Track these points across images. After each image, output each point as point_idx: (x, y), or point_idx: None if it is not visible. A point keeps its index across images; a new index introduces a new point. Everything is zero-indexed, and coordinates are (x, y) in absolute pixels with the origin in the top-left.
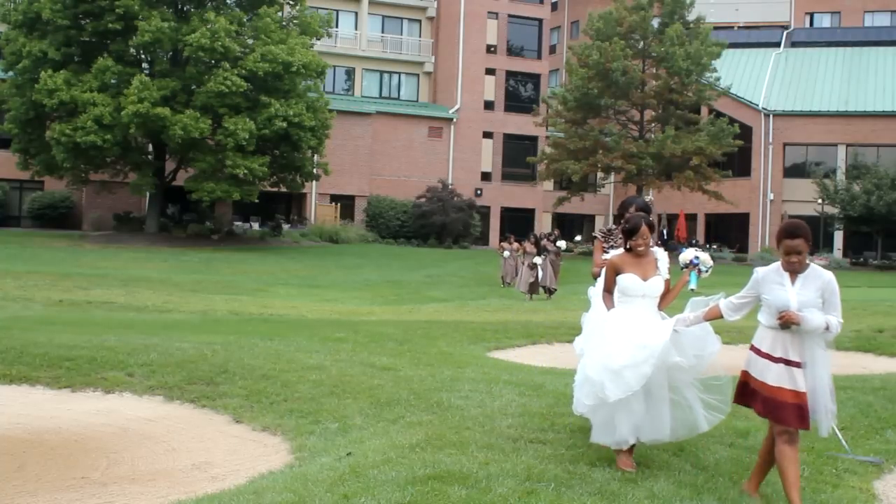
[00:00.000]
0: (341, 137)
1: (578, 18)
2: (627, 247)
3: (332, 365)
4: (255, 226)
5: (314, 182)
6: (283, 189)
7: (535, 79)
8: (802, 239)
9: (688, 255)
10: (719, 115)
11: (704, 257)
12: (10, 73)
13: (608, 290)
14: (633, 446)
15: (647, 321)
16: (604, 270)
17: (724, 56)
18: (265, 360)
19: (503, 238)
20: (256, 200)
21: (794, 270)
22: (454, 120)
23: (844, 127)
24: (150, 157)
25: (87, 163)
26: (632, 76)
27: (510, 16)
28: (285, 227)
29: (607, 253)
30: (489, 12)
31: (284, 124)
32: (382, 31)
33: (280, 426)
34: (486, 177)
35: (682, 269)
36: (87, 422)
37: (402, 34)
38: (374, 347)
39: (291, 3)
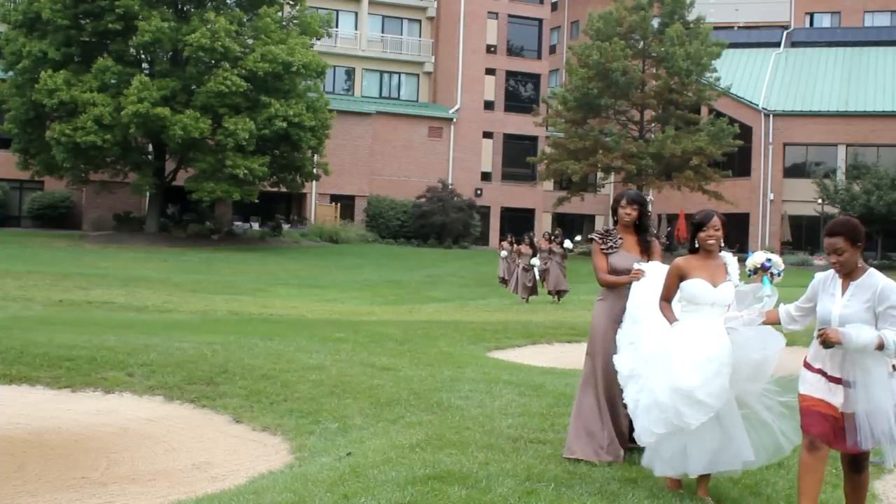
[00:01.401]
0: (341, 137)
1: (578, 18)
2: (695, 245)
3: (332, 365)
4: (255, 226)
5: (314, 182)
6: (283, 189)
7: (535, 79)
8: (842, 237)
9: (758, 258)
10: (719, 115)
11: (776, 259)
12: (10, 73)
13: (667, 298)
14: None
15: (708, 332)
16: (665, 276)
17: (724, 56)
18: (265, 360)
19: (503, 238)
20: (256, 200)
21: (839, 273)
22: (454, 120)
23: (844, 127)
24: (150, 157)
25: (87, 163)
26: (632, 76)
27: (510, 16)
28: (285, 227)
29: (609, 255)
30: (489, 12)
31: (284, 124)
32: (382, 31)
33: (280, 426)
34: (486, 177)
35: (751, 275)
36: (87, 422)
37: (402, 34)
38: (374, 347)
39: (291, 3)
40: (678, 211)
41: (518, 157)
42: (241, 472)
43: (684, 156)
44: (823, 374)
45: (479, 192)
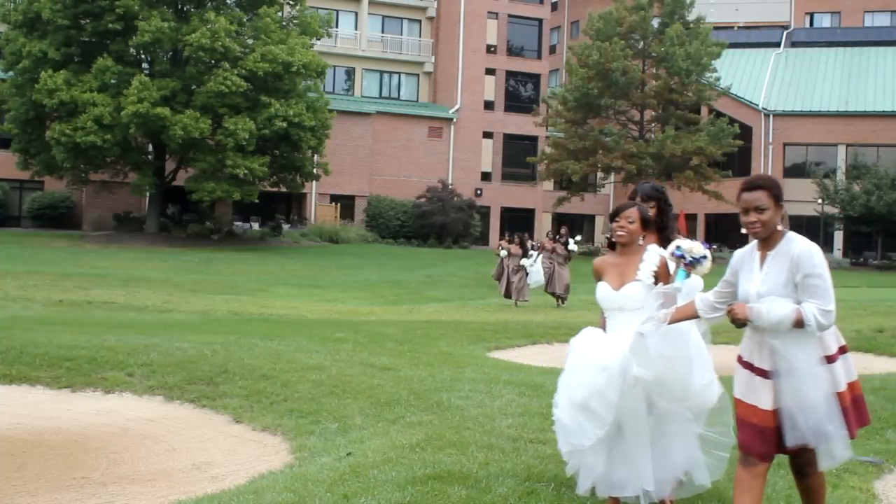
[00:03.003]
0: (341, 137)
1: (578, 18)
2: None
3: (332, 365)
4: (255, 226)
5: (314, 182)
6: (283, 189)
7: (535, 79)
8: (764, 191)
9: (670, 247)
10: (719, 115)
11: (689, 245)
12: (10, 73)
13: None
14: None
15: (607, 340)
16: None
17: (724, 56)
18: (265, 360)
19: (502, 237)
20: (256, 200)
21: (757, 237)
22: (454, 120)
23: (844, 127)
24: (150, 157)
25: (87, 163)
26: (632, 76)
27: (510, 16)
28: (285, 227)
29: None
30: (489, 12)
31: (284, 124)
32: (382, 31)
33: (280, 426)
34: (486, 177)
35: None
36: (87, 422)
37: (402, 34)
38: (374, 347)
39: (291, 3)
40: (678, 211)
41: (518, 157)
42: (241, 472)
43: (684, 156)
44: (751, 367)
45: (479, 192)
